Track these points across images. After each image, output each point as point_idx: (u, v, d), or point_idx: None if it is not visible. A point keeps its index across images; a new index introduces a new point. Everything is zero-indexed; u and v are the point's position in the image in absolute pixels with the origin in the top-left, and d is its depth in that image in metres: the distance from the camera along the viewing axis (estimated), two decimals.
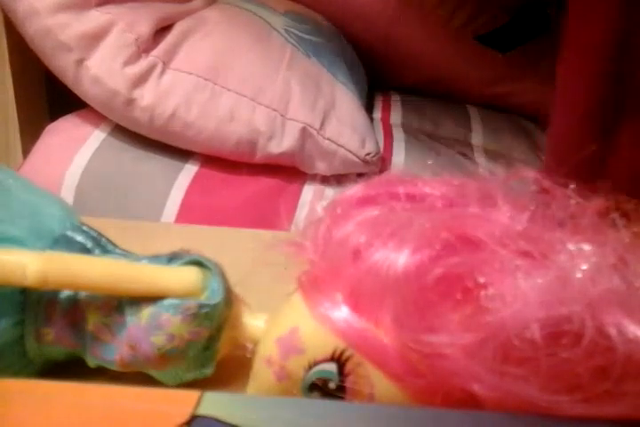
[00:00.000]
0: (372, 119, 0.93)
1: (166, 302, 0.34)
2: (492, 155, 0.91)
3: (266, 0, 0.96)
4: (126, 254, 0.37)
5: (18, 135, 0.91)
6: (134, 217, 0.80)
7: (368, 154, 0.83)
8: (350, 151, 0.83)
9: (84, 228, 0.37)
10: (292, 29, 0.91)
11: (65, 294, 0.35)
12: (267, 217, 0.77)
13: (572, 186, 0.29)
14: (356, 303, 0.29)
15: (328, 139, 0.83)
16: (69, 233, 0.36)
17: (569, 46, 0.46)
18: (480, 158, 0.90)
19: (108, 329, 0.35)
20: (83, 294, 0.35)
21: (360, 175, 0.84)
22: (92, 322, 0.35)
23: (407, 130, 0.93)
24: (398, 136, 0.91)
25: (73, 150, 0.84)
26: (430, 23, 0.99)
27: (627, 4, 0.42)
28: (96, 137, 0.85)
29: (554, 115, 0.48)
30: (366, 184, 0.33)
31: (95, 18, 0.80)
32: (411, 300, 0.27)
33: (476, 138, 0.95)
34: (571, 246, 0.26)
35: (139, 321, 0.34)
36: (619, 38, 0.41)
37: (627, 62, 0.42)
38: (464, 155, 0.88)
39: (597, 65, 0.44)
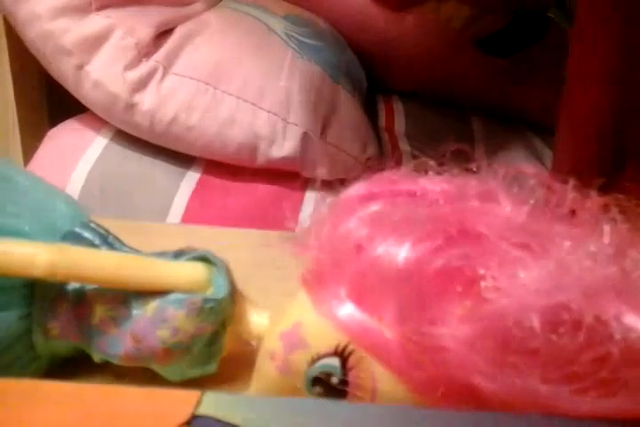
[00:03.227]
0: (376, 128, 0.92)
1: (172, 296, 0.34)
2: None
3: (266, 3, 0.96)
4: (133, 252, 0.38)
5: (18, 139, 0.91)
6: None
7: (369, 158, 0.83)
8: (352, 156, 0.83)
9: (92, 225, 0.37)
10: (293, 33, 0.91)
11: (71, 287, 0.35)
12: (270, 224, 0.77)
13: (572, 182, 0.29)
14: (358, 298, 0.29)
15: (329, 143, 0.83)
16: (77, 229, 0.37)
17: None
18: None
19: (113, 323, 0.35)
20: (89, 287, 0.35)
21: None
22: (99, 315, 0.35)
23: (411, 142, 0.93)
24: (404, 147, 0.90)
25: (76, 156, 0.83)
26: (428, 26, 0.99)
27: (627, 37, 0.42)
28: (98, 142, 0.85)
29: (561, 120, 0.48)
30: (368, 182, 0.33)
31: (95, 22, 0.80)
32: (412, 293, 0.27)
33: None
34: (570, 239, 0.26)
35: (144, 314, 0.34)
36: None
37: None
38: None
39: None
